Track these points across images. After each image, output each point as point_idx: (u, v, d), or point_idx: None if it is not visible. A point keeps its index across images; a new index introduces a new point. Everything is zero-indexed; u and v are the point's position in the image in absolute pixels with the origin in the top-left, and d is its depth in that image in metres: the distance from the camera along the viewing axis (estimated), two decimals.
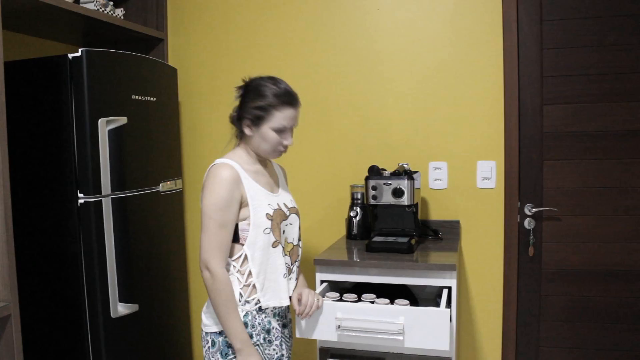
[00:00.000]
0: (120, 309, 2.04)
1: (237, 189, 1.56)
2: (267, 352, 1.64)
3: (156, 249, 2.32)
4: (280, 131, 1.60)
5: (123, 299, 2.05)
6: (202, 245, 1.54)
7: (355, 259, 1.93)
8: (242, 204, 1.58)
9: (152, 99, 2.27)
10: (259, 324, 1.61)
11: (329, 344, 1.82)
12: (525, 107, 2.28)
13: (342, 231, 2.44)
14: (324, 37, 2.49)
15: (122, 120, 2.06)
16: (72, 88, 1.92)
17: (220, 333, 1.58)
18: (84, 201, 1.95)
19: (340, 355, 1.83)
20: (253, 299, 1.59)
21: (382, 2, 2.41)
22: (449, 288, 1.79)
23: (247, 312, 1.59)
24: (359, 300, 1.79)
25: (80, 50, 1.91)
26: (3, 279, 1.64)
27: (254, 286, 1.58)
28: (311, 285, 2.10)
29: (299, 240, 1.74)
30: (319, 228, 2.51)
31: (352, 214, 2.29)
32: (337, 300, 1.79)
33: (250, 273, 1.58)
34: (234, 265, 1.59)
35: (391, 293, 1.82)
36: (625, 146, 2.21)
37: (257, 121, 1.60)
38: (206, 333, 1.62)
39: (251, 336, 1.59)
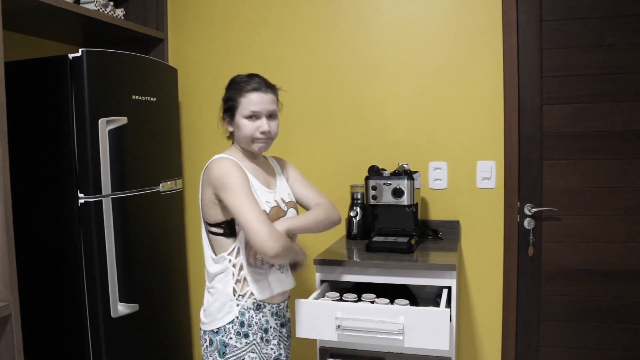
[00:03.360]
0: (120, 309, 2.04)
1: (244, 173, 1.59)
2: (264, 351, 1.64)
3: (156, 249, 2.32)
4: (252, 118, 1.61)
5: (123, 299, 2.05)
6: (250, 233, 1.48)
7: (355, 259, 1.93)
8: None
9: (152, 99, 2.27)
10: (256, 323, 1.62)
11: (329, 343, 1.82)
12: (525, 107, 2.28)
13: (342, 231, 2.44)
14: (323, 37, 2.49)
15: (122, 120, 2.06)
16: (72, 88, 1.92)
17: (217, 332, 1.59)
18: (84, 201, 1.95)
19: (340, 355, 1.83)
20: (246, 293, 1.60)
21: (381, 2, 2.41)
22: (449, 288, 1.79)
23: (244, 311, 1.60)
24: (359, 300, 1.79)
25: (80, 50, 1.91)
26: (3, 279, 1.64)
27: (245, 279, 1.60)
28: (311, 285, 2.10)
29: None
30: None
31: (352, 214, 2.29)
32: (337, 300, 1.79)
33: (242, 266, 1.60)
34: (229, 259, 1.60)
35: (391, 293, 1.82)
36: (625, 146, 2.21)
37: (230, 113, 1.64)
38: (204, 332, 1.63)
39: (248, 335, 1.60)
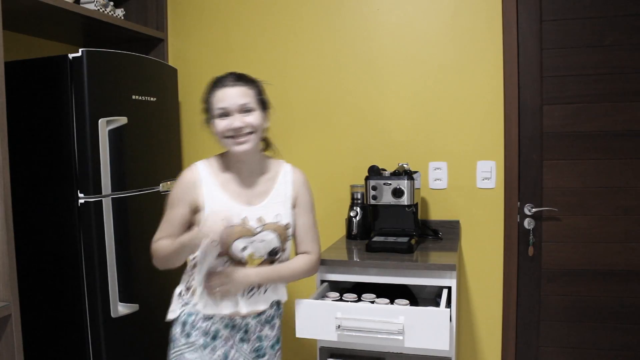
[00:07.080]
0: (120, 309, 2.04)
1: (188, 192, 1.56)
2: (209, 357, 1.57)
3: None
4: (223, 116, 1.53)
5: (123, 299, 2.05)
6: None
7: (355, 259, 1.93)
8: (198, 207, 1.55)
9: (152, 99, 2.27)
10: (200, 327, 1.57)
11: (329, 343, 1.82)
12: (525, 107, 2.28)
13: (342, 231, 2.44)
14: (323, 37, 2.49)
15: (122, 120, 2.06)
16: (72, 88, 1.92)
17: (172, 322, 1.62)
18: (84, 201, 1.95)
19: (340, 355, 1.83)
20: (191, 302, 1.58)
21: (381, 3, 2.41)
22: (449, 288, 1.79)
23: (191, 312, 1.57)
24: (359, 300, 1.79)
25: (80, 50, 1.91)
26: (3, 279, 1.64)
27: (194, 291, 1.58)
28: (311, 285, 2.10)
29: (276, 255, 1.60)
30: (319, 228, 2.51)
31: (352, 214, 2.29)
32: (337, 300, 1.79)
33: (194, 278, 1.59)
34: (191, 265, 1.62)
35: (391, 293, 1.82)
36: (625, 146, 2.21)
37: (208, 117, 1.58)
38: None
39: (190, 335, 1.56)
